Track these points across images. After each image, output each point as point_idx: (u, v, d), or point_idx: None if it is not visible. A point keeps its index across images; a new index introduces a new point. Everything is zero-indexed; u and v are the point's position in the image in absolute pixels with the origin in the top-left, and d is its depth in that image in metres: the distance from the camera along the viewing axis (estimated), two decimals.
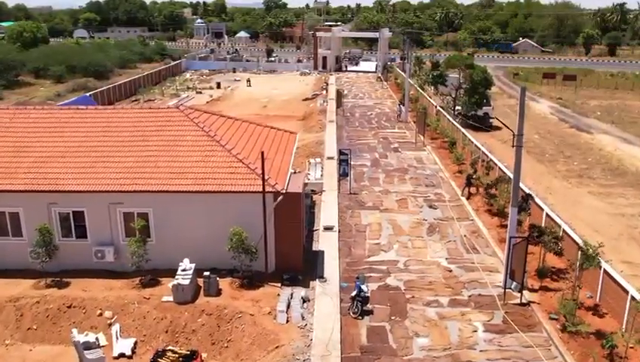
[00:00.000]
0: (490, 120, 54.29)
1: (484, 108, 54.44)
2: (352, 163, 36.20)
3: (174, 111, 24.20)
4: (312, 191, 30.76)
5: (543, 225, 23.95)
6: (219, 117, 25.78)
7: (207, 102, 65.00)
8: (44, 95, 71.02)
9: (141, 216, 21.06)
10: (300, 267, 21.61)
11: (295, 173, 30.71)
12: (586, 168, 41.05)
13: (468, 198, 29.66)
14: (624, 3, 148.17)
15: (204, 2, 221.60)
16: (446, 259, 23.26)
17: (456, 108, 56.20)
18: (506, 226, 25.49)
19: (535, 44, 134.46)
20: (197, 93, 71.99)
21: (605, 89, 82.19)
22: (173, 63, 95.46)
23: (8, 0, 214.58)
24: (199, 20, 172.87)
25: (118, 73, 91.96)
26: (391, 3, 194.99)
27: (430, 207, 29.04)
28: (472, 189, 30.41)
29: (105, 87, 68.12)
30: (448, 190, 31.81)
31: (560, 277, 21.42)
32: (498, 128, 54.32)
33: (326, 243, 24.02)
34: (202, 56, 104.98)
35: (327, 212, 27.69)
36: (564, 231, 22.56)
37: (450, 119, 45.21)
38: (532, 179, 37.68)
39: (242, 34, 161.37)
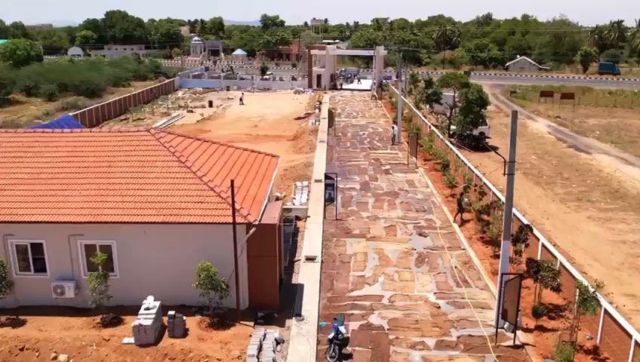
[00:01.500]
0: (487, 140, 52.94)
1: (480, 127, 53.14)
2: (340, 186, 34.84)
3: (144, 134, 22.71)
4: (296, 217, 29.22)
5: (539, 256, 22.36)
6: (194, 140, 24.30)
7: (198, 121, 63.72)
8: (33, 114, 69.76)
9: (104, 248, 19.48)
10: (276, 304, 19.98)
11: (278, 198, 29.28)
12: (585, 191, 39.51)
13: (460, 225, 28.09)
14: (622, 20, 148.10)
15: (201, 20, 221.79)
16: (434, 293, 21.61)
17: (451, 127, 54.87)
18: (499, 256, 23.97)
19: (532, 62, 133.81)
20: (188, 111, 70.73)
21: (604, 107, 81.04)
22: (166, 81, 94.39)
23: (6, 18, 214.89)
24: (196, 38, 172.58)
25: (110, 91, 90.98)
26: (389, 21, 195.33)
27: (420, 234, 27.45)
28: (465, 215, 28.86)
29: (94, 106, 66.86)
30: (440, 215, 30.24)
31: (558, 314, 19.77)
32: (495, 148, 53.07)
33: (307, 276, 22.42)
34: (196, 74, 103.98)
35: (311, 240, 26.11)
36: (561, 264, 20.95)
37: (444, 139, 43.76)
38: (529, 203, 36.18)
39: (239, 52, 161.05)
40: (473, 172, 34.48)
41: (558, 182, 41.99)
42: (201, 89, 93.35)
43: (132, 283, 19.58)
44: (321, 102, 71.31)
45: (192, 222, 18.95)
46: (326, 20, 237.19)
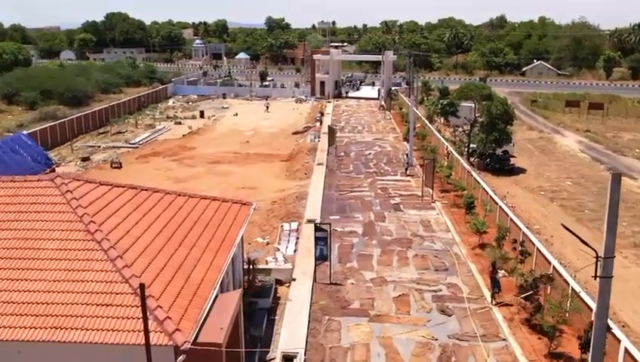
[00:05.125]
0: (511, 161, 45.69)
1: (504, 146, 45.92)
2: (338, 229, 27.98)
3: (46, 184, 15.67)
4: (277, 281, 22.09)
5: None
6: (126, 189, 17.23)
7: (184, 136, 56.86)
8: (5, 126, 63.17)
9: None
10: None
11: (268, 243, 21.90)
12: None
13: (497, 304, 20.59)
14: None
15: (204, 23, 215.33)
16: None
17: (471, 145, 47.59)
18: (558, 357, 16.82)
19: (551, 67, 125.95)
20: (175, 123, 63.82)
21: (636, 118, 73.43)
22: (157, 88, 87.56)
23: (5, 20, 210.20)
24: (198, 41, 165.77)
25: (98, 99, 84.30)
26: (398, 23, 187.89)
27: (442, 311, 20.22)
28: (501, 282, 21.53)
29: (73, 117, 60.09)
30: (467, 278, 22.97)
31: None
32: (522, 170, 45.77)
33: None
34: (191, 80, 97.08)
35: (292, 323, 19.04)
36: None
37: (466, 166, 36.40)
38: (575, 253, 28.73)
39: (242, 55, 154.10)
40: (507, 213, 27.14)
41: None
42: (195, 96, 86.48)
43: None
44: (323, 114, 64.20)
45: (85, 342, 11.88)
46: (334, 23, 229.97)
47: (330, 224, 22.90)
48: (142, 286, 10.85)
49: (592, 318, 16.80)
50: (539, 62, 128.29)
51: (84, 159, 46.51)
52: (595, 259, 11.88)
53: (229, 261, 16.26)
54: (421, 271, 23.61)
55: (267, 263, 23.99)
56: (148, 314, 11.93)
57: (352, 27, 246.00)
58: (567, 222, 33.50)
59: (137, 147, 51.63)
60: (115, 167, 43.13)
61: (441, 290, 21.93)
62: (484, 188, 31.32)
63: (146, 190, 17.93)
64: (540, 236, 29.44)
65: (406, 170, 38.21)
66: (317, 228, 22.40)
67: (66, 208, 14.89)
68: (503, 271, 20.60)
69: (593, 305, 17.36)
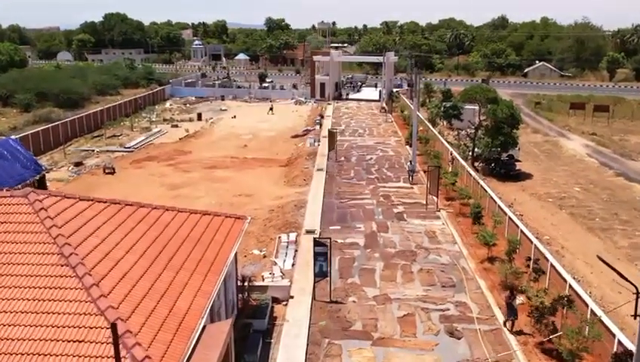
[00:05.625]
0: (517, 166, 44.30)
1: (509, 150, 44.56)
2: (339, 241, 26.66)
3: (18, 201, 14.26)
4: (274, 299, 20.70)
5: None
6: (108, 205, 15.82)
7: (180, 139, 55.46)
8: None
9: None
10: None
11: (266, 255, 20.34)
12: None
13: (512, 331, 19.05)
14: None
15: (204, 23, 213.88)
16: None
17: (475, 150, 46.21)
18: None
19: (553, 68, 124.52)
20: (172, 126, 62.39)
21: None
22: (155, 90, 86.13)
23: (5, 20, 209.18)
24: (197, 42, 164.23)
25: (95, 101, 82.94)
26: (398, 24, 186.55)
27: (451, 334, 18.80)
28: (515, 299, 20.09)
29: (68, 119, 58.70)
30: (476, 296, 21.54)
31: None
32: (528, 176, 44.36)
33: None
34: (189, 82, 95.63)
35: (290, 348, 17.66)
36: None
37: (472, 173, 34.95)
38: (588, 264, 27.42)
39: (241, 56, 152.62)
40: (516, 225, 25.71)
41: (617, 227, 33.22)
42: (193, 98, 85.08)
43: None
44: (322, 116, 62.79)
45: None
46: (334, 24, 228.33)
47: (330, 238, 21.44)
48: (114, 327, 9.44)
49: (615, 349, 15.47)
50: (541, 63, 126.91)
51: (77, 164, 45.11)
52: (635, 296, 10.27)
53: (219, 285, 14.86)
54: (427, 288, 22.19)
55: (263, 279, 22.64)
56: (124, 353, 10.60)
57: (352, 28, 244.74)
58: (578, 231, 32.27)
59: (132, 151, 50.23)
60: (108, 173, 41.73)
61: (448, 309, 20.52)
62: (491, 197, 29.83)
63: (130, 205, 16.52)
64: (550, 247, 28.06)
65: (410, 177, 36.54)
66: (316, 243, 20.98)
67: (39, 228, 13.48)
68: (521, 297, 18.86)
69: (617, 332, 15.98)
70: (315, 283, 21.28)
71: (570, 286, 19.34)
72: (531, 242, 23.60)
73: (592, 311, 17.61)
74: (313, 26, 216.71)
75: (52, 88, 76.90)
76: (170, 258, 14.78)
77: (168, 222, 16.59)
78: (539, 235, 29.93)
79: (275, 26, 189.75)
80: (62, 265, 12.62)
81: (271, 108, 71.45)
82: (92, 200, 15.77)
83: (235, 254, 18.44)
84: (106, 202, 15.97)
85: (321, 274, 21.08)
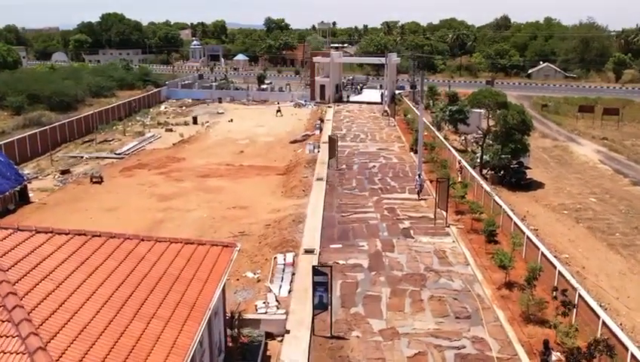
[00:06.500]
0: (527, 174, 42.00)
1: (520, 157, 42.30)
2: (340, 262, 24.41)
3: None
4: (268, 335, 18.39)
5: None
6: (71, 237, 13.47)
7: (174, 145, 53.18)
8: None
9: None
10: None
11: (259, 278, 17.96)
12: None
13: None
14: None
15: (202, 23, 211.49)
16: None
17: (483, 157, 43.91)
18: None
19: (558, 69, 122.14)
20: (166, 130, 60.07)
21: None
22: (150, 92, 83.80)
23: (4, 21, 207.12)
24: (195, 42, 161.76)
25: (89, 103, 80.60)
26: (399, 24, 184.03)
27: None
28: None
29: (56, 124, 56.43)
30: (494, 329, 19.17)
31: None
32: (540, 185, 42.06)
33: None
34: (186, 83, 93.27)
35: None
36: None
37: (485, 186, 32.49)
38: (613, 287, 25.13)
39: (240, 57, 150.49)
40: (536, 245, 23.38)
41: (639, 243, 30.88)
42: (189, 101, 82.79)
43: None
44: (322, 120, 60.46)
45: None
46: (334, 24, 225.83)
47: (331, 267, 19.08)
48: None
49: None
50: (545, 64, 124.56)
51: (64, 172, 42.80)
52: None
53: (200, 334, 12.52)
54: (439, 320, 19.85)
55: (256, 309, 20.33)
56: None
57: (352, 28, 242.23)
58: (598, 249, 29.95)
59: (123, 158, 47.91)
60: (95, 182, 39.43)
61: (464, 347, 18.19)
62: (507, 213, 27.48)
63: (98, 235, 14.18)
64: (570, 268, 25.79)
65: (418, 192, 33.61)
66: (316, 272, 18.64)
67: None
68: (557, 353, 16.30)
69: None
70: (314, 316, 18.95)
71: (603, 322, 17.04)
72: (554, 267, 21.29)
73: (632, 354, 15.30)
74: (313, 26, 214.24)
75: (44, 90, 74.59)
76: (141, 303, 12.45)
77: (143, 255, 14.27)
78: (557, 253, 27.71)
79: (275, 26, 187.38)
80: (4, 321, 10.30)
81: (278, 110, 69.67)
82: (52, 231, 13.42)
83: (224, 288, 16.16)
84: (68, 233, 13.63)
85: (320, 307, 18.75)
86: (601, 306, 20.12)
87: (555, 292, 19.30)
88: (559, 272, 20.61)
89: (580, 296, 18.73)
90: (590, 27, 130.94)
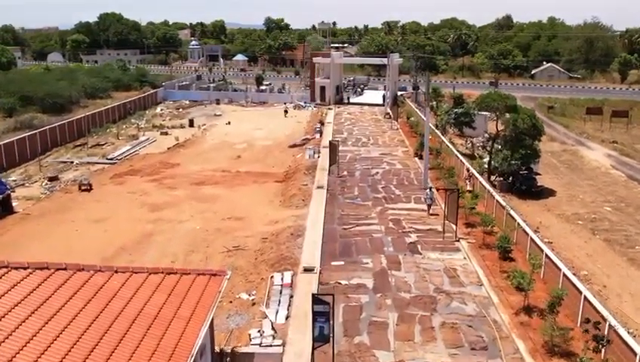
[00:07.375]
0: (537, 181, 40.05)
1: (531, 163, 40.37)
2: (343, 282, 22.52)
3: None
4: None
5: None
6: (31, 271, 11.57)
7: (169, 149, 51.27)
8: None
9: None
10: None
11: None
12: None
13: None
14: None
15: (202, 23, 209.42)
16: None
17: (491, 163, 41.97)
18: None
19: (562, 70, 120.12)
20: (162, 134, 58.15)
21: None
22: (146, 93, 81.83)
23: (4, 21, 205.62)
24: (194, 42, 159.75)
25: (84, 105, 78.62)
26: (400, 24, 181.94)
27: None
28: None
29: (47, 127, 54.42)
30: None
31: None
32: (552, 192, 40.14)
33: None
34: (183, 84, 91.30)
35: None
36: None
37: (497, 197, 30.44)
38: (636, 308, 23.15)
39: (239, 57, 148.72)
40: (558, 267, 21.41)
41: None
42: (187, 102, 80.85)
43: None
44: (323, 123, 58.56)
45: None
46: (334, 24, 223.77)
47: (333, 295, 17.12)
48: None
49: None
50: (549, 64, 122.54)
51: (52, 179, 40.84)
52: None
53: None
54: (453, 351, 17.90)
55: (250, 339, 18.36)
56: None
57: (352, 28, 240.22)
58: (618, 264, 28.02)
59: (115, 163, 45.96)
60: (84, 190, 37.49)
61: None
62: (522, 228, 25.51)
63: (64, 268, 12.25)
64: (590, 286, 23.87)
65: (429, 207, 31.18)
66: (316, 300, 16.69)
67: None
68: None
69: None
70: (313, 349, 17.01)
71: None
72: (577, 289, 19.35)
73: None
74: (313, 26, 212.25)
75: (37, 91, 72.65)
76: (111, 352, 10.53)
77: (116, 290, 12.35)
78: (575, 269, 25.76)
79: (275, 26, 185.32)
80: None
81: (286, 111, 68.49)
82: (8, 266, 11.50)
83: (212, 322, 14.25)
84: (27, 268, 11.70)
85: (321, 339, 16.77)
86: (629, 332, 18.22)
87: (585, 325, 17.26)
88: (585, 297, 18.63)
89: (610, 326, 16.76)
90: (594, 27, 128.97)
